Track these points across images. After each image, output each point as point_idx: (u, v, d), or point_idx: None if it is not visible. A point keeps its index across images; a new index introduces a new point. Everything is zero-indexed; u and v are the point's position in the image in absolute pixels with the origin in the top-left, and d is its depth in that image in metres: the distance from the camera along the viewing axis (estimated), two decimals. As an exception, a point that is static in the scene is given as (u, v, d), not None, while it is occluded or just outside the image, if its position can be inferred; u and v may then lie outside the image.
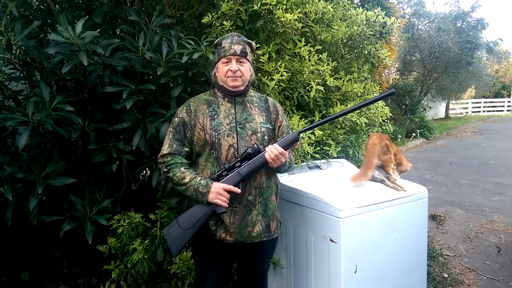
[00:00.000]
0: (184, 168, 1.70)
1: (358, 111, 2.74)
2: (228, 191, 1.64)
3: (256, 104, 1.82)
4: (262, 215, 1.76)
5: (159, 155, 1.75)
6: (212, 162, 1.71)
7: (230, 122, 1.72)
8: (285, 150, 1.68)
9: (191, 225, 1.65)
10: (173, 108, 2.24)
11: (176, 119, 1.76)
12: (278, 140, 1.72)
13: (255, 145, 1.67)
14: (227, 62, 1.72)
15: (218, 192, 1.63)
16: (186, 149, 1.75)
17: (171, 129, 1.74)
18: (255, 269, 1.89)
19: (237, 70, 1.71)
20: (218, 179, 1.67)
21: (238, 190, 1.65)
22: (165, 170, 1.72)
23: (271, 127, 1.81)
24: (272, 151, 1.65)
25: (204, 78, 2.40)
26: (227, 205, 1.65)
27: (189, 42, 2.29)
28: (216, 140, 1.69)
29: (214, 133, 1.70)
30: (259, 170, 1.71)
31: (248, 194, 1.73)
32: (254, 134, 1.74)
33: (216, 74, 1.79)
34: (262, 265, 1.91)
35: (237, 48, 1.72)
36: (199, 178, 1.66)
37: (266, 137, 1.78)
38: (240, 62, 1.73)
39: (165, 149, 1.73)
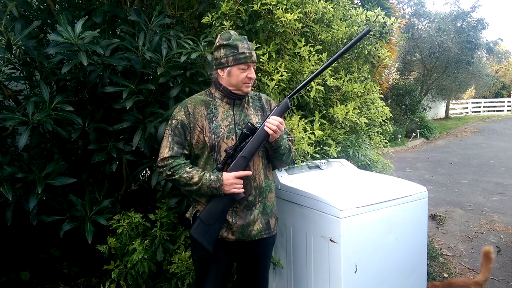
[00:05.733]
0: (189, 168, 1.66)
1: (358, 111, 2.75)
2: (240, 177, 1.65)
3: (251, 104, 1.82)
4: (261, 213, 1.79)
5: (159, 159, 1.69)
6: (211, 164, 1.71)
7: (229, 124, 1.72)
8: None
9: (216, 220, 1.67)
10: (172, 108, 2.24)
11: (174, 121, 1.70)
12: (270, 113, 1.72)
13: (249, 123, 1.65)
14: (246, 68, 1.68)
15: (232, 183, 1.63)
16: (186, 152, 1.71)
17: (170, 131, 1.69)
18: (257, 266, 1.90)
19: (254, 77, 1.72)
20: (223, 167, 1.68)
21: (250, 173, 1.67)
22: (169, 173, 1.66)
23: None
24: (272, 123, 1.64)
25: (202, 78, 2.39)
26: (244, 190, 1.67)
27: (187, 42, 2.29)
28: (216, 143, 1.68)
29: (213, 136, 1.68)
30: (261, 146, 1.70)
31: (249, 194, 1.74)
32: None
33: (224, 77, 1.70)
34: (264, 262, 1.92)
35: (254, 54, 1.71)
36: (208, 175, 1.64)
37: None
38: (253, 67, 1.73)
39: (165, 153, 1.67)
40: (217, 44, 1.70)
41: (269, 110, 1.85)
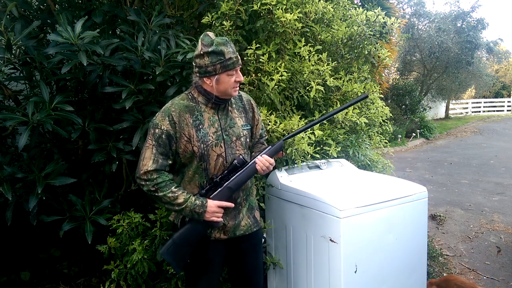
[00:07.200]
0: (175, 188, 1.62)
1: (358, 111, 2.75)
2: (222, 207, 1.67)
3: (234, 106, 1.79)
4: (247, 209, 1.82)
5: (141, 172, 1.60)
6: (200, 173, 1.68)
7: (216, 131, 1.68)
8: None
9: (188, 244, 1.68)
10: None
11: (157, 130, 1.60)
12: (263, 149, 1.74)
13: (241, 157, 1.66)
14: (233, 73, 1.63)
15: (214, 211, 1.64)
16: (170, 162, 1.66)
17: (153, 142, 1.60)
18: (249, 263, 1.89)
19: None
20: (206, 194, 1.67)
21: (232, 205, 1.70)
22: (152, 189, 1.60)
23: (250, 127, 1.82)
24: (263, 163, 1.68)
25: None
26: (222, 219, 1.70)
27: (185, 41, 2.29)
28: (205, 152, 1.65)
29: (202, 145, 1.64)
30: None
31: (237, 197, 1.76)
32: (238, 139, 1.73)
33: (212, 85, 1.62)
34: (255, 257, 1.91)
35: (238, 56, 1.64)
36: (193, 199, 1.63)
37: (248, 139, 1.80)
38: None
39: (149, 165, 1.59)
40: (200, 52, 1.59)
41: (250, 110, 1.84)
